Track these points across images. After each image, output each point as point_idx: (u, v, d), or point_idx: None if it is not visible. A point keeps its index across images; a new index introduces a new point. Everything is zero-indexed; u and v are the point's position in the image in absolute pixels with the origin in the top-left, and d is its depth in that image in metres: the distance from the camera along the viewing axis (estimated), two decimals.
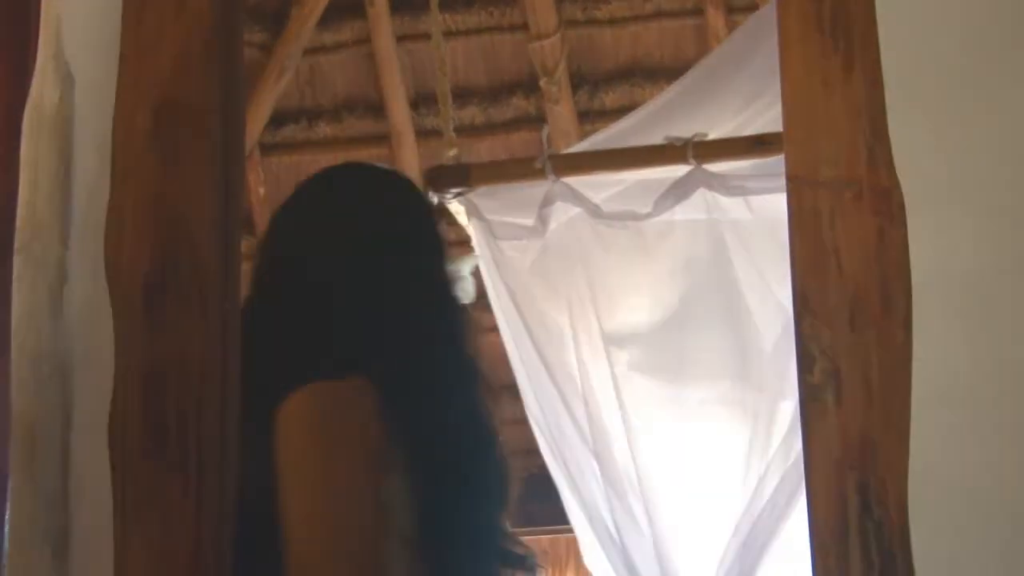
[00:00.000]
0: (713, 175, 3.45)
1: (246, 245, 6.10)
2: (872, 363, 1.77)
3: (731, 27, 5.02)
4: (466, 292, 2.21)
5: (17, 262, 1.92)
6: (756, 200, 3.41)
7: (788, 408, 3.20)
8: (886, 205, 1.80)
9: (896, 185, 1.81)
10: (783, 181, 1.89)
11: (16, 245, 1.95)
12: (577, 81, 5.41)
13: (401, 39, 5.49)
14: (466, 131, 4.95)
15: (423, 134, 5.46)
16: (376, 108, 5.61)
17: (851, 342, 1.78)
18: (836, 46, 1.88)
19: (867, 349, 1.77)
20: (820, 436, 1.77)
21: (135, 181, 1.92)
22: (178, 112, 1.92)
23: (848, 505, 1.74)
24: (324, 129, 5.68)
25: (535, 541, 6.15)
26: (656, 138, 3.51)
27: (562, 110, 5.36)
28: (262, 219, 5.75)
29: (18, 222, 1.96)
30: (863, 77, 1.86)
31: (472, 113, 5.41)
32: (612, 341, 3.50)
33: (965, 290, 1.80)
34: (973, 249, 1.81)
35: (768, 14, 2.47)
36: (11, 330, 1.90)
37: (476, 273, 3.65)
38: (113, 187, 1.93)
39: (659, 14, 5.35)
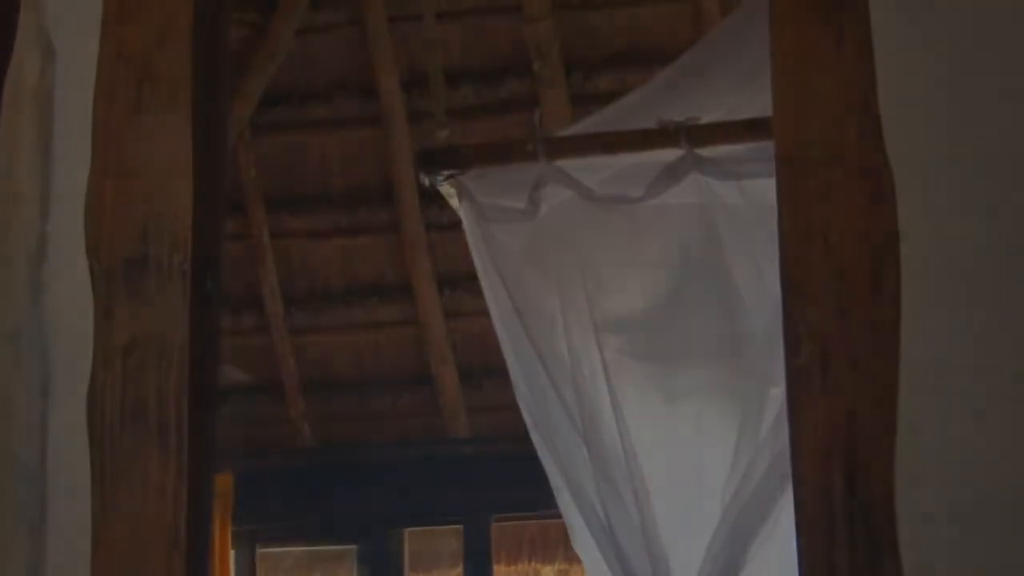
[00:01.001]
0: (705, 159, 3.43)
1: (235, 225, 6.09)
2: (860, 344, 1.75)
3: (725, 11, 5.00)
4: None
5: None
6: (748, 184, 3.39)
7: (778, 394, 3.18)
8: (876, 184, 1.79)
9: (886, 164, 1.80)
10: (775, 165, 1.87)
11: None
12: (570, 64, 5.39)
13: (393, 20, 5.47)
14: (458, 113, 4.93)
15: (415, 116, 5.45)
16: (368, 89, 5.59)
17: (839, 323, 1.76)
18: (827, 25, 1.87)
19: (855, 330, 1.76)
20: (807, 417, 1.75)
21: (116, 155, 1.91)
22: (159, 86, 1.90)
23: (834, 487, 1.72)
24: (316, 110, 5.66)
25: (524, 526, 6.16)
26: (649, 122, 3.49)
27: (555, 93, 5.34)
28: (253, 199, 5.73)
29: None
30: (854, 56, 1.84)
31: (465, 95, 5.39)
32: (603, 325, 3.49)
33: (954, 269, 1.78)
34: (963, 228, 1.79)
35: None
36: None
37: (467, 255, 3.66)
38: (94, 161, 1.91)
39: None
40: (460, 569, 5.96)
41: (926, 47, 1.85)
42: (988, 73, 1.83)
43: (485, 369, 5.58)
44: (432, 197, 4.94)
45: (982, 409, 1.75)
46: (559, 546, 5.81)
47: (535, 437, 3.51)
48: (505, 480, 5.25)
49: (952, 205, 1.80)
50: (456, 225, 3.71)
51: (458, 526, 5.92)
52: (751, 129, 3.32)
